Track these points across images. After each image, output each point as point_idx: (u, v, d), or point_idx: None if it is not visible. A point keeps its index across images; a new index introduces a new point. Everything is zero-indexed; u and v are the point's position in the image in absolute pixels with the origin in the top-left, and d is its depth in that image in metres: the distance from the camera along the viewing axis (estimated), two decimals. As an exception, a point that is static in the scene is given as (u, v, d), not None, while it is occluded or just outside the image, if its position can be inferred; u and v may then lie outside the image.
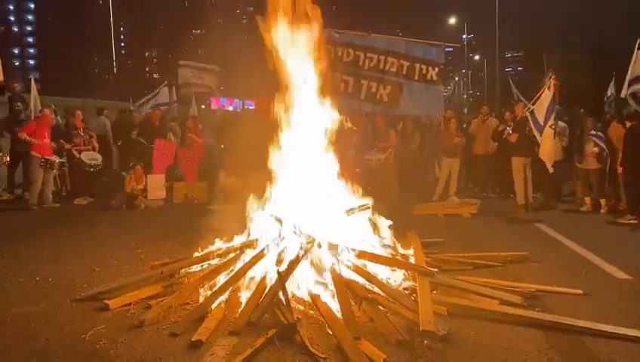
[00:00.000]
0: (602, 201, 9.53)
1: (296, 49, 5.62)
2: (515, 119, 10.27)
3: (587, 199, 9.70)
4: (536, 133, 9.03)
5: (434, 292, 4.64)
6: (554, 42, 32.92)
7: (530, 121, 9.19)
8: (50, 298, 4.88)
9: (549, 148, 8.95)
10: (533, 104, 9.29)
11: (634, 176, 8.42)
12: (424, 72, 11.56)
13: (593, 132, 9.64)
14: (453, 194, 10.83)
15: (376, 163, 11.03)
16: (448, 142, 11.00)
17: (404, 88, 11.55)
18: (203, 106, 17.60)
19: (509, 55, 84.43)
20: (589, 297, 4.82)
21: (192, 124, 12.68)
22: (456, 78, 69.80)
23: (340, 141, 5.84)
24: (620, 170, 8.84)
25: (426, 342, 3.78)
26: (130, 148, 13.04)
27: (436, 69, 11.61)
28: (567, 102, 12.45)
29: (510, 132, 9.91)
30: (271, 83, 5.72)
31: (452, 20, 55.64)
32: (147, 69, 64.38)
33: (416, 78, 11.57)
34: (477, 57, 68.52)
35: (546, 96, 8.90)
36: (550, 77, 8.95)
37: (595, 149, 9.49)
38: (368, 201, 5.75)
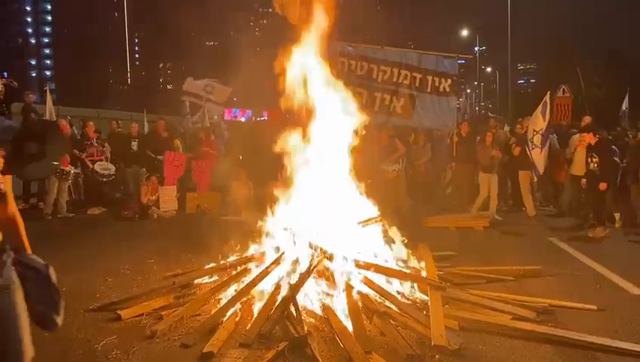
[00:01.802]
0: (616, 215, 9.41)
1: (311, 61, 5.68)
2: (519, 133, 10.35)
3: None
4: (527, 148, 9.29)
5: (446, 306, 4.62)
6: (567, 53, 32.70)
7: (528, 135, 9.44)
8: (63, 308, 4.90)
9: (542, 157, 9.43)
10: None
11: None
12: (437, 84, 11.58)
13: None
14: (494, 210, 10.11)
15: (392, 173, 11.00)
16: (485, 156, 10.36)
17: (417, 100, 11.58)
18: (215, 117, 17.60)
19: (522, 67, 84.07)
20: (603, 313, 4.76)
21: (205, 135, 12.76)
22: (468, 90, 69.74)
23: (360, 152, 5.85)
24: (602, 185, 8.50)
25: (437, 356, 3.76)
26: (128, 159, 11.81)
27: (449, 81, 11.64)
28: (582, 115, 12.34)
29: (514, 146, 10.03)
30: (284, 95, 5.76)
31: (464, 32, 55.80)
32: (161, 80, 65.05)
33: (429, 90, 11.59)
34: (489, 69, 68.37)
35: (538, 112, 9.18)
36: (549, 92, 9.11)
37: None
38: (381, 214, 5.74)
